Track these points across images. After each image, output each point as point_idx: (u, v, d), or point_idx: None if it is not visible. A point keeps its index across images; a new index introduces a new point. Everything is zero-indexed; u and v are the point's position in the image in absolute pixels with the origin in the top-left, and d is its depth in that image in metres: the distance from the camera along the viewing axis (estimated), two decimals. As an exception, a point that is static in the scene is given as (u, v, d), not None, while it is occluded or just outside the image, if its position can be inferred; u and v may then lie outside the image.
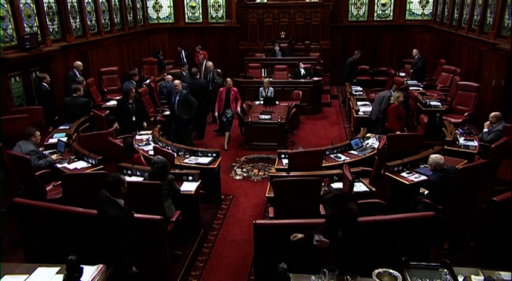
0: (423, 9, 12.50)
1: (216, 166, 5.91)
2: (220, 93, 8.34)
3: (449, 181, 4.56)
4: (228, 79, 8.46)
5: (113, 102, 8.99)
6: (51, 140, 6.61)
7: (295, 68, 10.56)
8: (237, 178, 6.97)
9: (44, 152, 6.00)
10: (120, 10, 11.39)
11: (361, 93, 9.80)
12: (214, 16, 13.45)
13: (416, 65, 10.76)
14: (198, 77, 9.18)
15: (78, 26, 9.45)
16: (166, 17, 13.57)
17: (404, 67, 11.82)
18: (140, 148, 6.47)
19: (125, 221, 3.39)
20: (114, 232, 3.30)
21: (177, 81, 7.93)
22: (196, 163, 5.93)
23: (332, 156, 6.10)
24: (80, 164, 5.77)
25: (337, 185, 5.13)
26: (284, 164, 5.84)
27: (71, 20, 9.11)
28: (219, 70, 9.44)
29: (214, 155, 6.11)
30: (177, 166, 5.54)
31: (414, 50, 11.08)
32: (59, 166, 5.76)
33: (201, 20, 13.48)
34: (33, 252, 3.85)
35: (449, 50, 10.48)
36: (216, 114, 8.49)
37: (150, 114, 8.75)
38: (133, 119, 7.34)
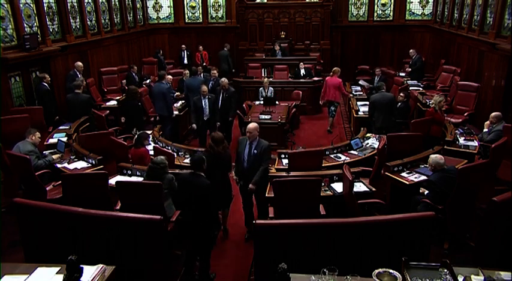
0: (423, 9, 12.52)
1: (216, 166, 5.89)
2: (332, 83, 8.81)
3: (449, 181, 4.56)
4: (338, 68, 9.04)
5: (113, 102, 8.99)
6: (51, 140, 6.62)
7: (295, 68, 10.56)
8: (237, 177, 6.95)
9: (44, 152, 6.00)
10: (120, 10, 11.40)
11: (361, 93, 9.80)
12: (214, 16, 13.45)
13: (415, 65, 10.76)
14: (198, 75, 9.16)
15: (78, 26, 9.45)
16: (166, 17, 13.57)
17: (404, 67, 11.83)
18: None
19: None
20: (210, 196, 3.96)
21: (224, 80, 7.91)
22: (196, 163, 5.92)
23: (332, 156, 6.11)
24: (80, 164, 5.78)
25: (337, 185, 5.14)
26: (284, 164, 5.84)
27: (71, 20, 9.12)
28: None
29: (214, 155, 6.10)
30: (177, 166, 5.53)
31: (411, 50, 11.09)
32: (59, 166, 5.77)
33: (201, 20, 13.48)
34: (33, 252, 3.84)
35: (449, 50, 10.49)
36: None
37: (150, 114, 8.75)
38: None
